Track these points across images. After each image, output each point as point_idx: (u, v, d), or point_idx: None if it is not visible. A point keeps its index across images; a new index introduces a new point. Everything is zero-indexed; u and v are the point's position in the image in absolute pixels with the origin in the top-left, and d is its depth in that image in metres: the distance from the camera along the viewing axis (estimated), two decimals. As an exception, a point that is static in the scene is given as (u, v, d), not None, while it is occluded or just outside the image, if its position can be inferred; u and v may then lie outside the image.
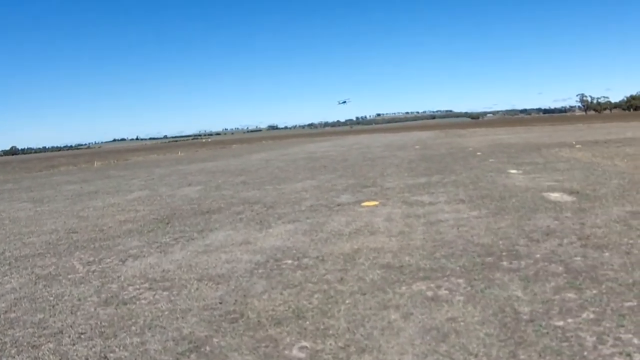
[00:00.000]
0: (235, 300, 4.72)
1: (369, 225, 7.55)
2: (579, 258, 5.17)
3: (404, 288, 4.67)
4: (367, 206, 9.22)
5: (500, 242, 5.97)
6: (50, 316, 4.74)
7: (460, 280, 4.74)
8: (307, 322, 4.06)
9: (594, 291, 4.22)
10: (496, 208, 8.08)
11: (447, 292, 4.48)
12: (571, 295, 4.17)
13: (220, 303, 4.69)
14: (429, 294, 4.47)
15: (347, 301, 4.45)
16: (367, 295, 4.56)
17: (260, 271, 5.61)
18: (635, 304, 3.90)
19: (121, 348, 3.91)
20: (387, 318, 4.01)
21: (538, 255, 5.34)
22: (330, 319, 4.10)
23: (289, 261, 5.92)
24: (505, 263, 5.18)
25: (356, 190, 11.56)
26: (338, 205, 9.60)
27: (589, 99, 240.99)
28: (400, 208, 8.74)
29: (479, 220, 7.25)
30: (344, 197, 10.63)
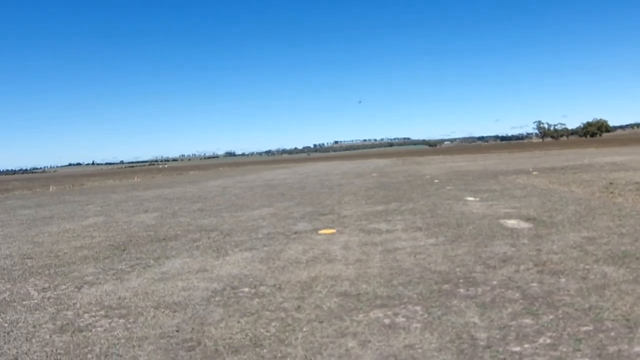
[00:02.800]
0: (192, 328, 4.64)
1: (326, 253, 7.50)
2: (535, 284, 5.18)
3: (361, 316, 4.62)
4: (324, 234, 9.17)
5: (457, 269, 5.97)
6: (4, 343, 4.64)
7: (418, 308, 4.71)
8: (265, 350, 3.99)
9: (551, 316, 4.22)
10: (453, 235, 8.11)
11: (404, 319, 4.44)
12: (528, 320, 4.16)
13: (177, 331, 4.60)
14: (387, 321, 4.42)
15: (304, 329, 4.39)
16: (325, 323, 4.50)
17: (217, 299, 5.53)
18: (591, 328, 3.91)
19: (76, 376, 3.77)
20: (344, 346, 3.95)
21: (495, 282, 5.34)
22: (287, 347, 4.03)
23: (246, 289, 5.84)
24: (462, 290, 5.16)
25: (313, 218, 11.52)
26: (295, 233, 9.55)
27: (546, 125, 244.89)
28: (357, 236, 8.72)
29: (436, 248, 7.26)
30: (301, 224, 10.58)
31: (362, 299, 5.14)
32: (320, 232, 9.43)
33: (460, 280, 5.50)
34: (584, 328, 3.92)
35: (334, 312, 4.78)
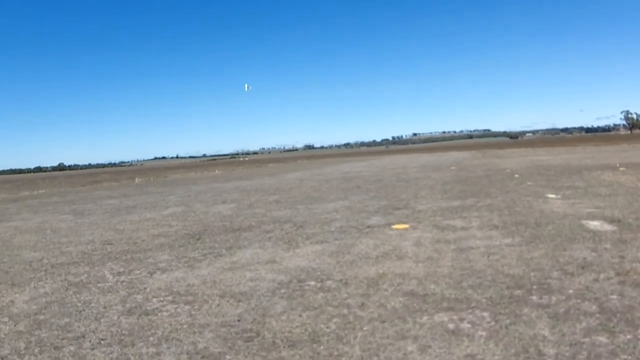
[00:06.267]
0: (254, 319, 4.75)
1: (397, 249, 7.39)
2: (615, 296, 4.81)
3: (425, 318, 4.49)
4: (397, 229, 9.04)
5: (532, 274, 5.68)
6: (75, 321, 5.07)
7: (485, 314, 4.51)
8: (322, 347, 3.99)
9: (629, 336, 3.86)
10: (530, 236, 7.78)
11: (469, 325, 4.27)
12: (603, 339, 3.85)
13: (239, 320, 4.74)
14: (451, 326, 4.27)
15: (365, 328, 4.33)
16: (386, 323, 4.42)
17: (282, 291, 5.62)
18: (673, 353, 3.53)
19: (137, 357, 4.08)
20: (403, 349, 3.85)
21: (571, 291, 5.03)
22: (345, 345, 3.99)
23: (312, 283, 5.88)
24: (534, 297, 4.90)
25: (387, 212, 11.39)
26: (368, 227, 9.46)
27: (635, 116, 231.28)
28: (430, 232, 8.54)
29: (512, 249, 6.98)
30: (375, 218, 10.48)
31: (429, 300, 5.01)
32: (393, 227, 9.30)
33: (534, 287, 5.24)
34: (665, 353, 3.57)
35: (397, 312, 4.68)
